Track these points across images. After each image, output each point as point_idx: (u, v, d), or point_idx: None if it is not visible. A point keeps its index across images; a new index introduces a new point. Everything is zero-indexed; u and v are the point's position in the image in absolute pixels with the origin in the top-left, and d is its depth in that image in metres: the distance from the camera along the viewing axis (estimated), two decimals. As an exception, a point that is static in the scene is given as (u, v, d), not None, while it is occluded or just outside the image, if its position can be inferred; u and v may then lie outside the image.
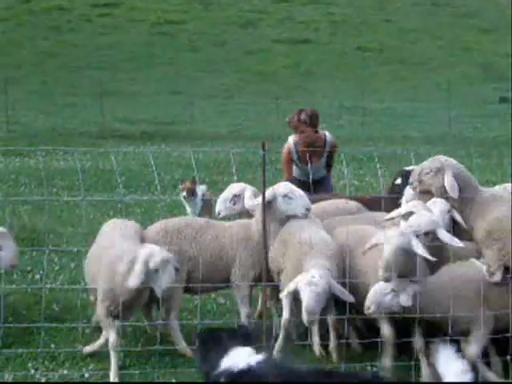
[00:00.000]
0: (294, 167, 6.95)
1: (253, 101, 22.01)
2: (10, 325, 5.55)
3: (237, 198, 5.50)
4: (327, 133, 7.01)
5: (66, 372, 4.99)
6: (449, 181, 4.74)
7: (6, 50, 27.86)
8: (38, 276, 6.47)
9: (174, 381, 4.76)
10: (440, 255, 4.67)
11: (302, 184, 6.42)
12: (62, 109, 20.45)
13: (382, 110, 20.87)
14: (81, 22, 32.85)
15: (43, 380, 4.91)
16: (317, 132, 6.89)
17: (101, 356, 5.10)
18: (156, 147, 14.63)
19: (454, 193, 4.72)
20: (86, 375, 4.94)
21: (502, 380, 4.71)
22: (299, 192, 5.15)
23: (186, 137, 16.59)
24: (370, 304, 4.41)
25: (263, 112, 20.46)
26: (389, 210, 5.19)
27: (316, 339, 4.85)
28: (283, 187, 5.17)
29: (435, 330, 4.61)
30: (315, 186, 6.61)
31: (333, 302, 4.78)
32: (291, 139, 6.91)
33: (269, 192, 5.06)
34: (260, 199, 5.03)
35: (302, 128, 6.81)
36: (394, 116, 20.22)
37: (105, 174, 11.29)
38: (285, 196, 5.11)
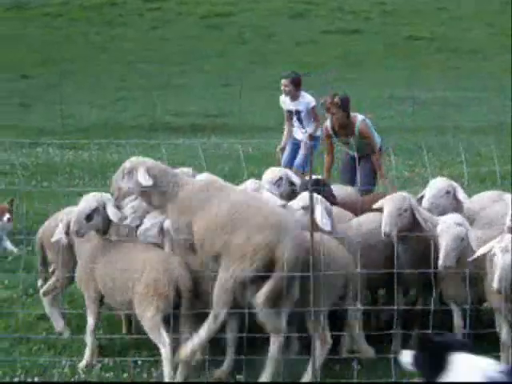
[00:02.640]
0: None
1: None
2: (67, 311, 5.75)
3: (280, 181, 5.74)
4: (360, 118, 7.38)
5: (119, 359, 5.15)
6: (141, 175, 4.78)
7: (61, 46, 28.48)
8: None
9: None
10: None
11: (351, 158, 7.36)
12: (114, 102, 20.80)
13: (433, 100, 20.57)
14: (132, 16, 33.30)
15: (98, 366, 5.08)
16: (348, 117, 7.35)
17: (153, 343, 5.24)
18: (206, 140, 14.77)
19: (146, 182, 4.77)
20: (139, 362, 5.09)
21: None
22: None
23: (235, 129, 16.70)
24: None
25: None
26: None
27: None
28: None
29: None
30: (360, 162, 7.20)
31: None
32: (328, 121, 7.49)
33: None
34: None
35: (333, 110, 7.32)
36: (445, 105, 19.92)
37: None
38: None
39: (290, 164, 8.78)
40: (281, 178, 5.73)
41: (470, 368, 3.00)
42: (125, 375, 4.95)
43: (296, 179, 5.81)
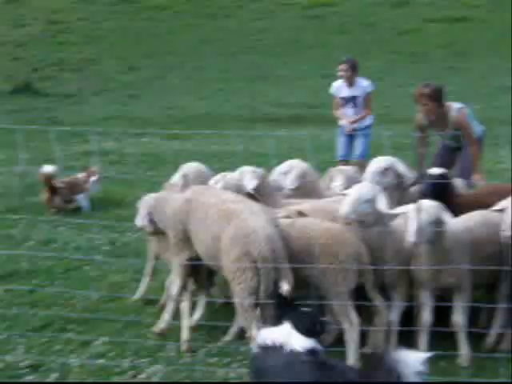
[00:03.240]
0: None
1: (403, 82, 21.54)
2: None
3: (387, 170, 5.52)
4: (456, 107, 6.97)
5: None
6: None
7: (166, 38, 29.20)
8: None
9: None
10: None
11: (446, 148, 7.12)
12: (217, 93, 21.15)
13: (545, 90, 19.65)
14: (233, 8, 33.65)
15: (203, 350, 5.22)
16: (442, 107, 6.89)
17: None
18: (306, 131, 14.79)
19: None
20: (242, 349, 5.19)
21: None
22: None
23: (335, 120, 16.59)
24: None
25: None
26: None
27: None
28: None
29: None
30: (458, 154, 6.99)
31: None
32: (420, 112, 7.07)
33: None
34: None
35: (423, 101, 6.89)
36: (557, 96, 18.99)
37: (257, 157, 11.61)
38: None
39: (347, 155, 8.64)
40: (387, 169, 5.47)
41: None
42: (225, 361, 5.07)
43: (404, 170, 5.49)
